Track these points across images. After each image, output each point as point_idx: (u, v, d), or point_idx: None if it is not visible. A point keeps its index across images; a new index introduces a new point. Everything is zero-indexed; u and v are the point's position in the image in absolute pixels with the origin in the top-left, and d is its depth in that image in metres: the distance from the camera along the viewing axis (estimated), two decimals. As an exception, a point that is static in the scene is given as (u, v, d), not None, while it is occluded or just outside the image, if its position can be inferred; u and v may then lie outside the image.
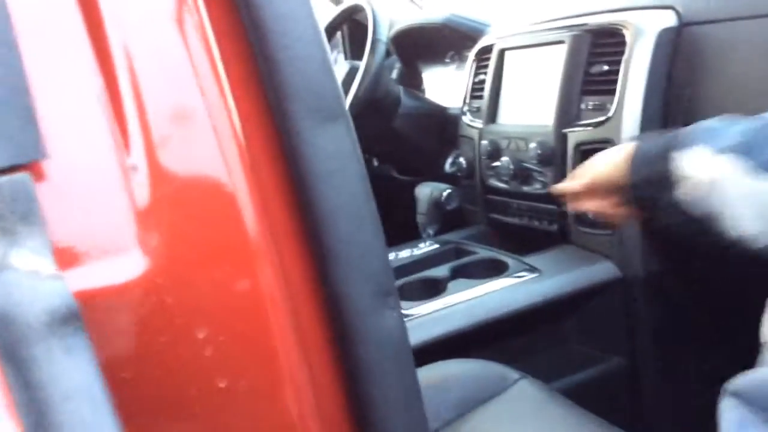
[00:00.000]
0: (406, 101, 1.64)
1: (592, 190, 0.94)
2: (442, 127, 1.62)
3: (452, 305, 1.13)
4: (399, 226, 1.45)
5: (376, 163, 1.88)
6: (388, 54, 1.86)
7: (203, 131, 0.40)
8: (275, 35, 0.41)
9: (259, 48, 0.41)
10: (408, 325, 1.10)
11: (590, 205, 0.96)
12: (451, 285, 1.18)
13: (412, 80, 1.88)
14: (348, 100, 1.49)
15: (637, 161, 0.85)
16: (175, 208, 0.39)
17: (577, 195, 0.97)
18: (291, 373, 0.43)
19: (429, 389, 0.98)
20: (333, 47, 2.04)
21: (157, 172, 0.38)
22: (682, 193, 0.79)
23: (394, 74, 1.89)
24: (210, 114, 0.40)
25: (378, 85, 1.52)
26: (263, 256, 0.41)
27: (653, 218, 0.89)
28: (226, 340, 0.40)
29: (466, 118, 1.48)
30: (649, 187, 0.83)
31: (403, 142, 1.67)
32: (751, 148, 0.74)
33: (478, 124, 1.43)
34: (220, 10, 0.40)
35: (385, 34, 1.50)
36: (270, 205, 0.42)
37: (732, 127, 0.77)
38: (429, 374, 1.02)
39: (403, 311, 1.12)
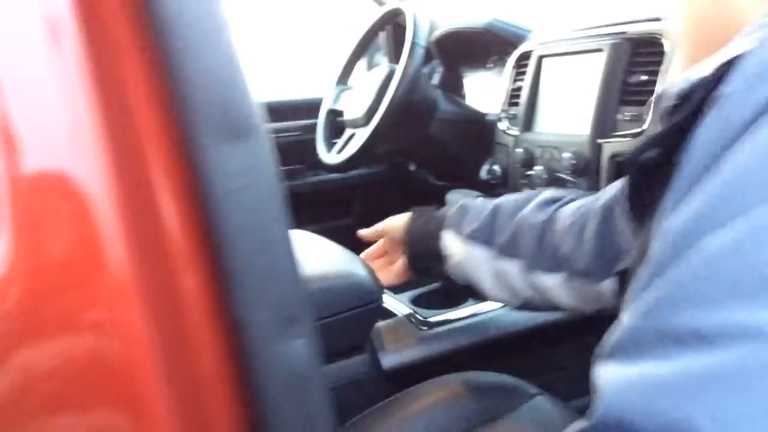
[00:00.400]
0: (443, 106, 1.62)
1: (382, 242, 1.11)
2: (480, 133, 1.59)
3: (472, 315, 1.11)
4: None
5: (412, 168, 1.87)
6: (430, 57, 1.84)
7: (77, 144, 0.38)
8: (179, 44, 0.39)
9: (164, 58, 0.39)
10: (426, 334, 1.10)
11: (374, 252, 1.13)
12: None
13: (453, 85, 1.86)
14: (384, 104, 1.48)
15: (411, 236, 1.04)
16: (32, 227, 0.37)
17: (369, 242, 1.14)
18: (161, 405, 0.40)
19: (443, 400, 0.97)
20: (376, 50, 2.04)
21: (14, 188, 0.37)
22: (447, 266, 0.99)
23: (436, 78, 1.87)
24: (89, 125, 0.38)
25: (415, 89, 1.50)
26: (132, 281, 0.38)
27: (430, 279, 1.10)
28: (74, 371, 0.38)
29: (502, 125, 1.45)
30: (422, 260, 1.03)
31: (439, 147, 1.65)
32: (491, 234, 0.93)
33: (514, 131, 1.40)
34: (123, 15, 0.38)
35: (424, 38, 1.48)
36: (166, 224, 0.40)
37: (479, 210, 0.96)
38: (445, 385, 1.00)
39: (422, 318, 1.11)
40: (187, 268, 0.40)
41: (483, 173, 1.53)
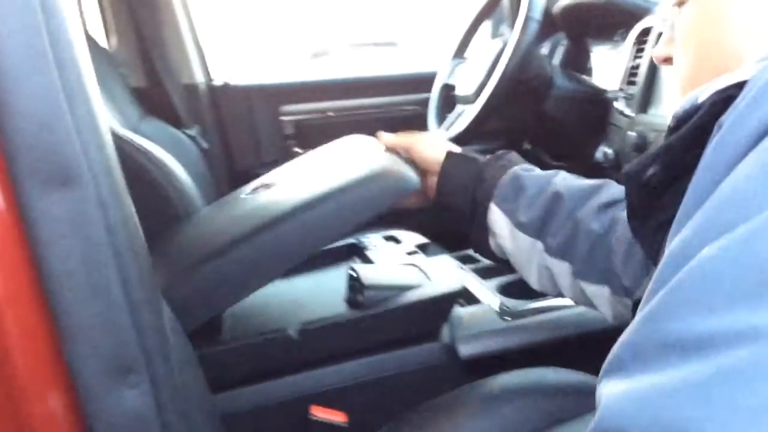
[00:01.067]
0: (560, 83, 1.54)
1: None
2: (599, 112, 1.50)
3: (561, 308, 1.06)
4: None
5: (527, 146, 1.80)
6: (554, 30, 1.76)
7: None
8: None
9: None
10: (509, 324, 1.06)
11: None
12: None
13: (577, 59, 1.76)
14: (494, 79, 1.43)
15: (449, 185, 0.93)
16: None
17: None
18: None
19: (518, 394, 0.94)
20: (500, 22, 1.97)
21: None
22: (490, 241, 0.92)
23: (560, 52, 1.78)
24: None
25: (527, 64, 1.44)
26: None
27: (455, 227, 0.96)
28: None
29: (618, 105, 1.36)
30: (455, 215, 0.94)
31: (555, 125, 1.57)
32: (545, 230, 0.87)
33: (630, 112, 1.31)
34: None
35: (539, 11, 1.42)
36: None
37: (535, 194, 0.88)
38: (521, 379, 0.97)
39: (507, 308, 1.07)
40: (11, 313, 0.39)
41: (597, 155, 1.45)
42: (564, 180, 0.89)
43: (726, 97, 0.41)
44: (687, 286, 0.34)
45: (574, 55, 1.76)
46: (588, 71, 1.76)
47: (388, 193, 0.90)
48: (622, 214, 0.82)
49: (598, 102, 1.52)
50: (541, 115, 1.55)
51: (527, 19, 1.40)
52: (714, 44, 0.52)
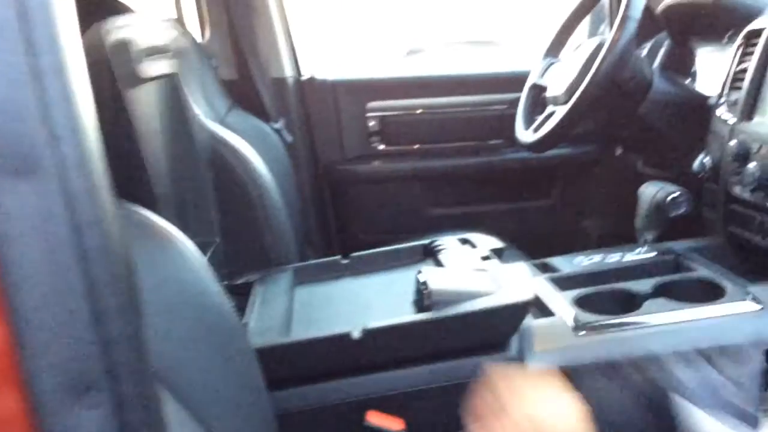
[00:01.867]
0: (659, 86, 1.45)
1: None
2: (699, 119, 1.40)
3: (640, 326, 0.98)
4: (629, 225, 1.29)
5: (619, 152, 1.71)
6: (656, 31, 1.66)
7: None
8: None
9: None
10: (583, 340, 1.00)
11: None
12: (648, 303, 1.03)
13: (680, 62, 1.66)
14: (586, 80, 1.36)
15: None
16: None
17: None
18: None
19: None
20: (601, 20, 1.89)
21: None
22: None
23: (661, 54, 1.68)
24: None
25: (624, 65, 1.36)
26: None
27: None
28: None
29: (720, 111, 1.27)
30: None
31: (650, 131, 1.49)
32: None
33: (731, 119, 1.21)
34: None
35: (639, 10, 1.33)
36: None
37: None
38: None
39: (582, 322, 1.01)
40: None
41: (695, 164, 1.35)
42: None
43: None
44: None
45: (676, 58, 1.66)
46: (692, 75, 1.66)
47: None
48: None
49: (699, 108, 1.42)
50: (637, 119, 1.47)
51: (625, 17, 1.32)
52: None
